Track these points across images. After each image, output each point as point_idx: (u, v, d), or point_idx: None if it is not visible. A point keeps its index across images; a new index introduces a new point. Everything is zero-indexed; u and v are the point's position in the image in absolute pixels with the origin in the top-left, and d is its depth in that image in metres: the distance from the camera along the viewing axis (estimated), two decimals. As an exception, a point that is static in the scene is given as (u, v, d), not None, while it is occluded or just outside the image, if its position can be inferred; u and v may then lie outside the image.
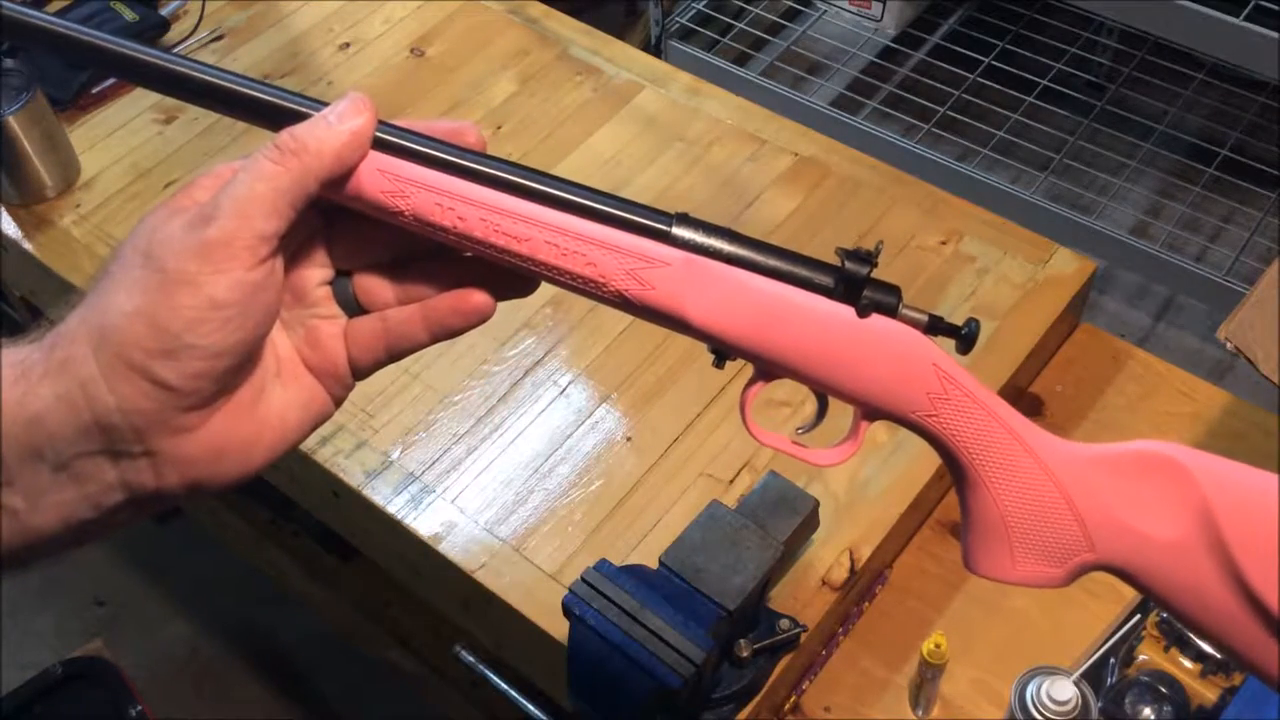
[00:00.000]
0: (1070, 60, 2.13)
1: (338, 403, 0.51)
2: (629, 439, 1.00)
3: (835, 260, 0.52)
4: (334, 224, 0.51)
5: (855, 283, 0.52)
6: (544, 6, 1.39)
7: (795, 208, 1.16)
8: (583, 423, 1.01)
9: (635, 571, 0.83)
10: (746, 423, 0.55)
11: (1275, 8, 1.67)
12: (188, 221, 0.45)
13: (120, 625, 1.76)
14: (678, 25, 2.23)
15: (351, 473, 0.98)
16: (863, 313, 0.52)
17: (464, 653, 1.08)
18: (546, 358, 1.06)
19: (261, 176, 0.45)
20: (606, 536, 0.94)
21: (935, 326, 0.53)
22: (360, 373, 0.51)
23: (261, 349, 0.48)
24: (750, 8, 2.30)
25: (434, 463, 0.99)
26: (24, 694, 1.31)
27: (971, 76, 2.09)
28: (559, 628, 0.85)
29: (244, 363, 0.46)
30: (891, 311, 0.52)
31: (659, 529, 0.93)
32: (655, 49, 2.19)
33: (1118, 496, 0.53)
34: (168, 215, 0.45)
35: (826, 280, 0.52)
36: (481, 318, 0.51)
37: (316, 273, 0.50)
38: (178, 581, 1.81)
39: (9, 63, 1.15)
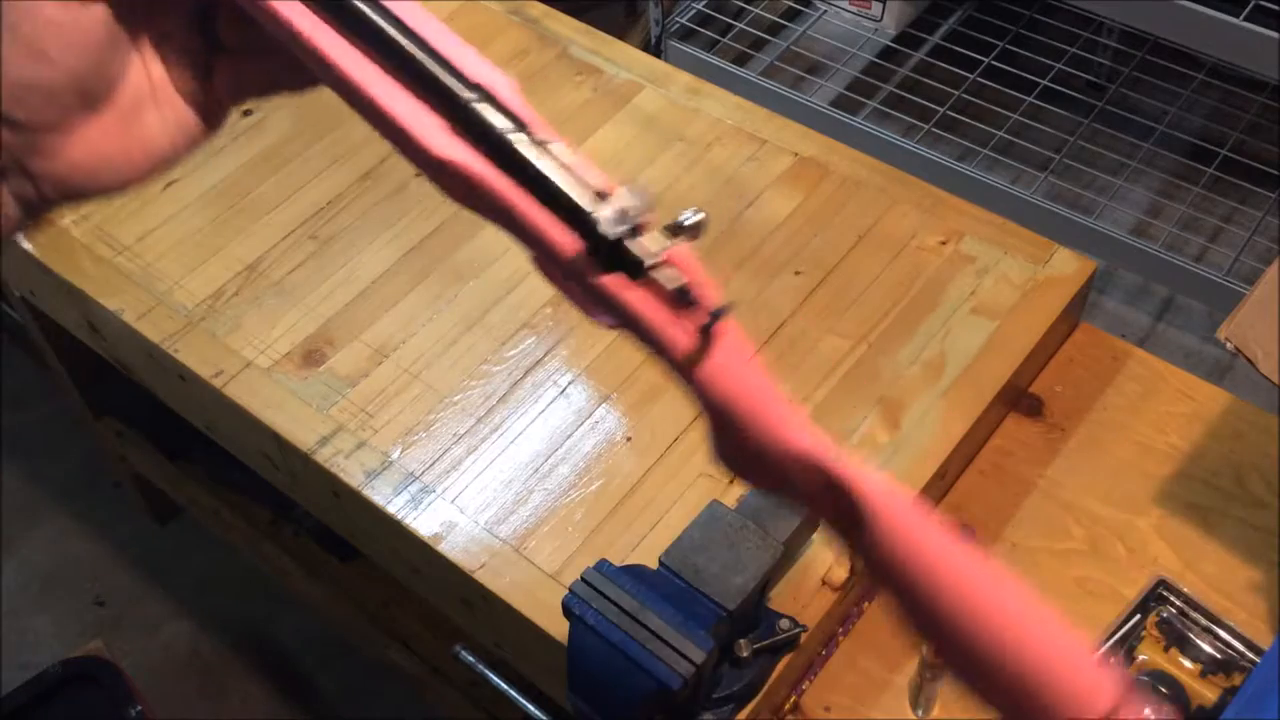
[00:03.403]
0: (1070, 60, 2.13)
1: (213, 128, 0.52)
2: (629, 439, 1.00)
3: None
4: None
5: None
6: (544, 6, 1.39)
7: (795, 208, 1.16)
8: (583, 423, 1.01)
9: (635, 571, 0.83)
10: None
11: (1275, 8, 1.67)
12: None
13: (120, 625, 1.76)
14: (678, 25, 2.23)
15: (351, 473, 0.98)
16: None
17: (464, 653, 1.08)
18: (546, 358, 1.06)
19: None
20: (606, 536, 0.94)
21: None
22: (232, 103, 0.51)
23: (118, 78, 0.48)
24: (750, 8, 2.30)
25: (434, 463, 0.99)
26: (24, 694, 1.31)
27: (971, 76, 2.09)
28: (559, 628, 0.85)
29: (92, 92, 0.47)
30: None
31: (659, 529, 0.93)
32: (655, 49, 2.19)
33: None
34: None
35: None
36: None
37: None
38: (178, 581, 1.81)
39: (9, 63, 1.15)
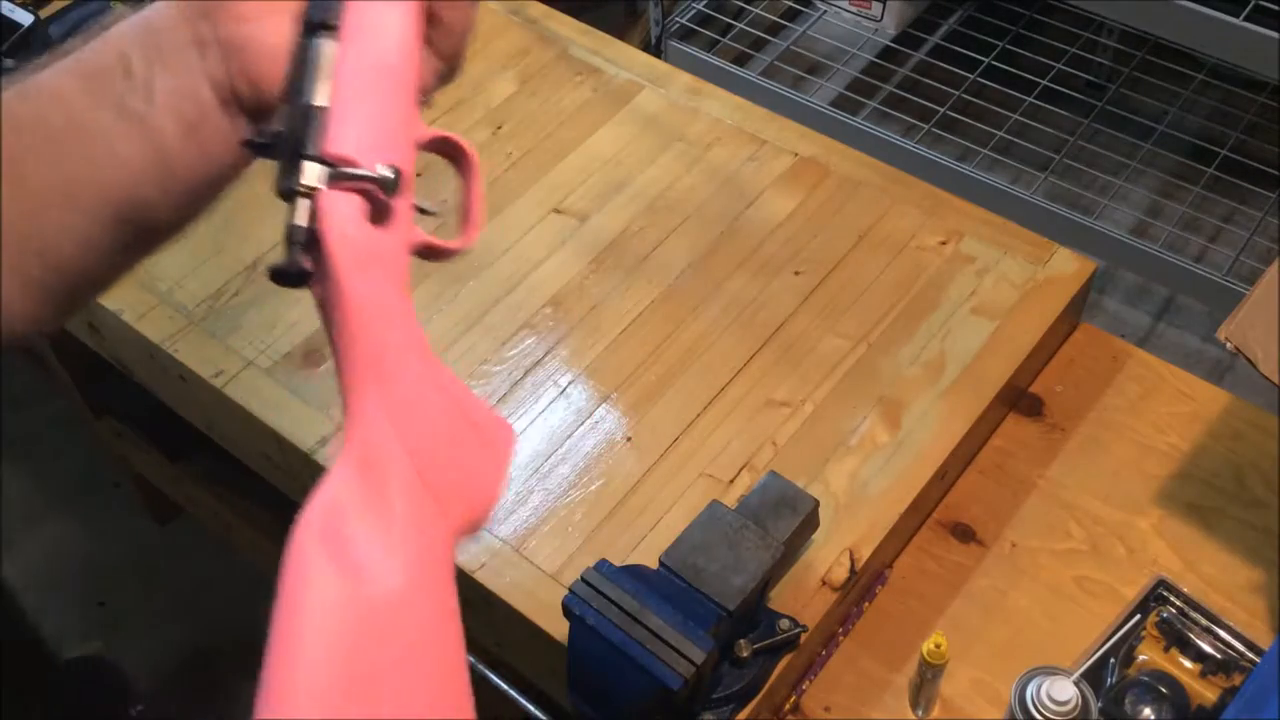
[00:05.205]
0: (1070, 60, 2.13)
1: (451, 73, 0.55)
2: (629, 439, 1.00)
3: None
4: None
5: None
6: (544, 6, 1.39)
7: (795, 208, 1.16)
8: (583, 423, 1.01)
9: (635, 571, 0.83)
10: None
11: (1275, 8, 1.67)
12: None
13: (120, 625, 1.76)
14: (678, 25, 2.23)
15: (351, 473, 0.98)
16: None
17: (464, 653, 1.08)
18: (546, 358, 1.06)
19: None
20: (606, 536, 0.94)
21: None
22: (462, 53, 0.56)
23: None
24: (750, 8, 2.30)
25: (434, 463, 0.99)
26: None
27: (971, 76, 2.09)
28: (559, 628, 0.85)
29: None
30: None
31: (659, 529, 0.93)
32: (655, 49, 2.19)
33: None
34: None
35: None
36: None
37: None
38: (178, 581, 1.81)
39: (9, 63, 1.15)
